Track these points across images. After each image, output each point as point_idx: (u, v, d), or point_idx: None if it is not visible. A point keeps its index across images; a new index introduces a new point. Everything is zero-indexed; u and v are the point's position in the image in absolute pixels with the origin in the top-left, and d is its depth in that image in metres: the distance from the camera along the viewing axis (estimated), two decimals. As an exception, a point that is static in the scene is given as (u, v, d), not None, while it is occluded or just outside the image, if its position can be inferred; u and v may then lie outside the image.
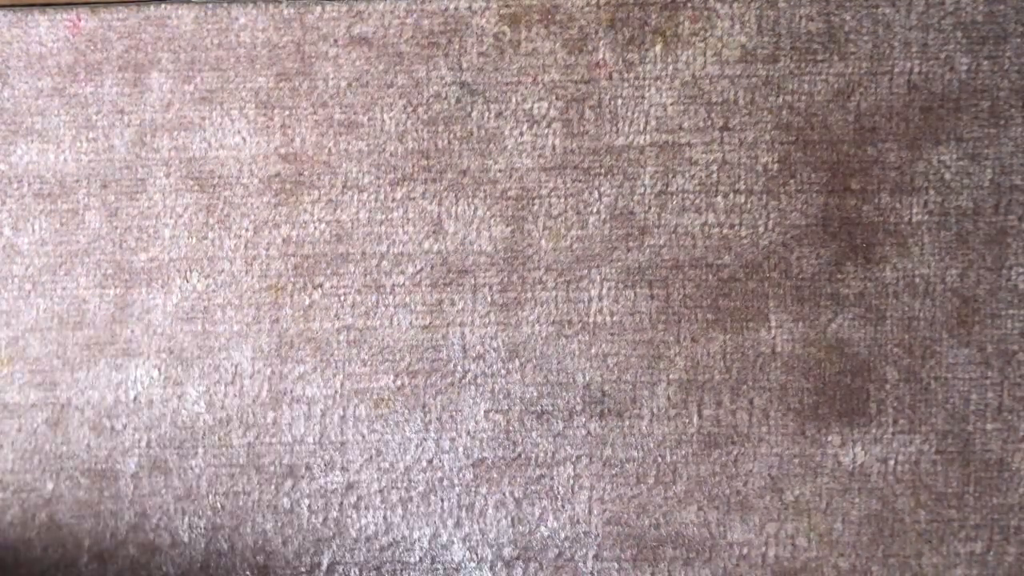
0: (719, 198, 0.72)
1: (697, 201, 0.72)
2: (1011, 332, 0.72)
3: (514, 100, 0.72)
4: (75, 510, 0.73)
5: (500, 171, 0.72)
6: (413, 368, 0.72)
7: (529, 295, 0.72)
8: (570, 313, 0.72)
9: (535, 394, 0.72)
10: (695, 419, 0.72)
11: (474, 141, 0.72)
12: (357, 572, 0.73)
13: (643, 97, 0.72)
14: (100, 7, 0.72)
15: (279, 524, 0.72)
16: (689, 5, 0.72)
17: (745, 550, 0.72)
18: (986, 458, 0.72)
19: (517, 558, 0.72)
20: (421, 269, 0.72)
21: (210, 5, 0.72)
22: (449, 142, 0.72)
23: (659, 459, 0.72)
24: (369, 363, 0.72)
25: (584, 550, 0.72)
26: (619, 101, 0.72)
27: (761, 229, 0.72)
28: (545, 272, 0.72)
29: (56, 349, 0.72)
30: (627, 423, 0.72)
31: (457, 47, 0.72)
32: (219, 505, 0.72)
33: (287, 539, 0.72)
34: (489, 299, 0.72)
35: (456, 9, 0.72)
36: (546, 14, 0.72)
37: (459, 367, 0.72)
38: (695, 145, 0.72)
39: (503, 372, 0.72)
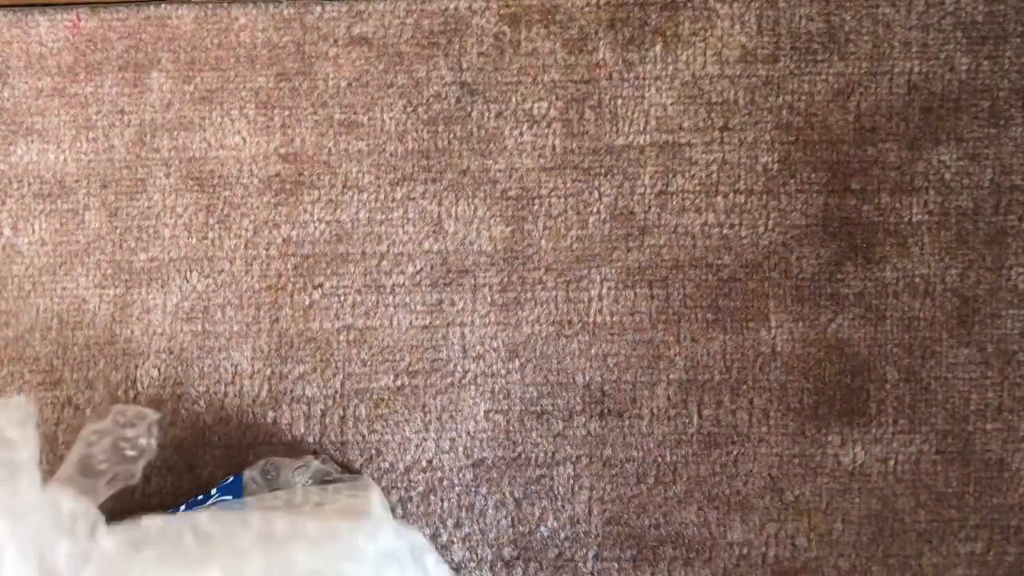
0: (719, 198, 0.72)
1: (697, 201, 0.72)
2: (1011, 332, 0.72)
3: (514, 100, 0.72)
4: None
5: (500, 171, 0.72)
6: (413, 368, 0.72)
7: (529, 295, 0.72)
8: (570, 313, 0.72)
9: (535, 394, 0.72)
10: (695, 419, 0.72)
11: (474, 141, 0.72)
12: (357, 572, 0.72)
13: (643, 97, 0.72)
14: (100, 7, 0.72)
15: (279, 524, 0.72)
16: (689, 5, 0.72)
17: (745, 550, 0.72)
18: (986, 458, 0.72)
19: (517, 558, 0.72)
20: (421, 269, 0.72)
21: (210, 5, 0.72)
22: (449, 142, 0.72)
23: (659, 459, 0.72)
24: (369, 363, 0.72)
25: (584, 550, 0.72)
26: (619, 101, 0.72)
27: (761, 229, 0.72)
28: (545, 272, 0.72)
29: (56, 349, 0.72)
30: (627, 423, 0.72)
31: (457, 47, 0.72)
32: (219, 505, 0.72)
33: (287, 539, 0.72)
34: (489, 299, 0.72)
35: (456, 9, 0.72)
36: (546, 14, 0.72)
37: (459, 367, 0.72)
38: (695, 145, 0.72)
39: (503, 372, 0.72)
